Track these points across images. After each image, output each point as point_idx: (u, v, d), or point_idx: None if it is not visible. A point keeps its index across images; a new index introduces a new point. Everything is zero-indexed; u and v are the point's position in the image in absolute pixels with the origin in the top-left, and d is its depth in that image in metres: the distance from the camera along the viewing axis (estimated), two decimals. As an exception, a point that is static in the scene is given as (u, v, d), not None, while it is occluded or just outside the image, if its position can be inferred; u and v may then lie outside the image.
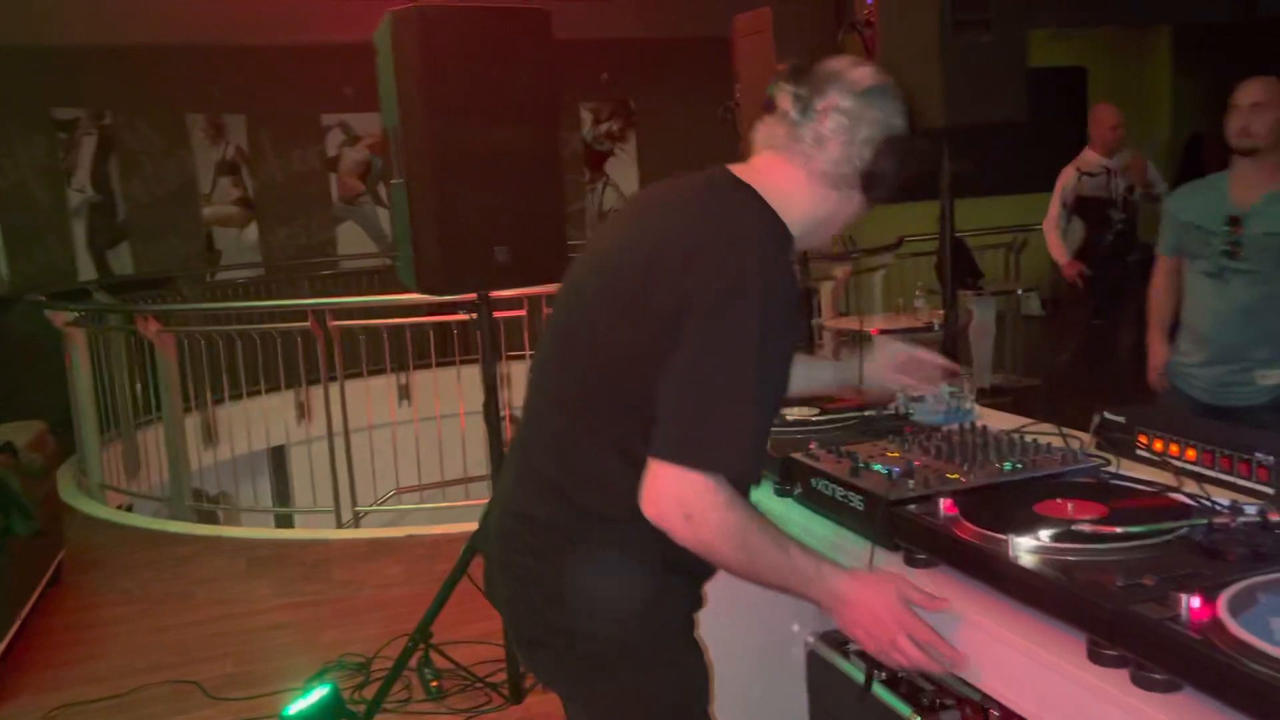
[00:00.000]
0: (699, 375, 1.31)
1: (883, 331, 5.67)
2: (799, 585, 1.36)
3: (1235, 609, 1.05)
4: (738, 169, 1.48)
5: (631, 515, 1.36)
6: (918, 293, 5.84)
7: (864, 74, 1.43)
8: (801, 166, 1.44)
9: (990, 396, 6.49)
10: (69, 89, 8.24)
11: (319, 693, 2.84)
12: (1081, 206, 5.42)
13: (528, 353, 5.64)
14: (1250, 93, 2.80)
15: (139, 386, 6.07)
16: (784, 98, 1.44)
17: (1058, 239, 5.49)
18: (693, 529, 1.31)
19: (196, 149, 8.93)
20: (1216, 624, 1.04)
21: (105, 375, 6.11)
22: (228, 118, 9.01)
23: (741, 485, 1.36)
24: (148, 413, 6.14)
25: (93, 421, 6.02)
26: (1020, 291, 7.35)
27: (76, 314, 6.15)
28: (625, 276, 1.39)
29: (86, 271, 8.32)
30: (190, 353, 5.94)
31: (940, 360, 1.97)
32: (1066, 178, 5.41)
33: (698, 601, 1.57)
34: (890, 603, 1.34)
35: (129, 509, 5.90)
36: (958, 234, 5.82)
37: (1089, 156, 5.38)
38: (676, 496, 1.30)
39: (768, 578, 1.35)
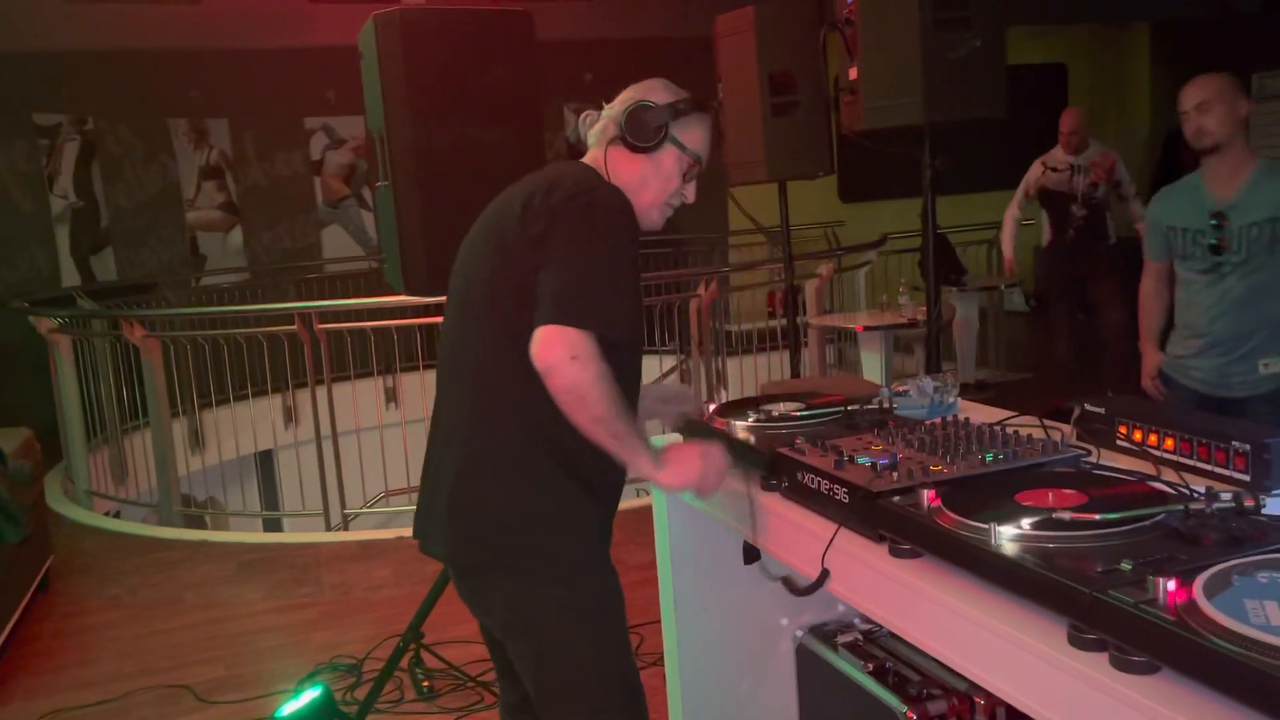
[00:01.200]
0: (568, 260, 1.65)
1: (867, 328, 5.71)
2: (637, 445, 1.66)
3: (1210, 591, 1.08)
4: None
5: (539, 420, 1.68)
6: (901, 289, 5.89)
7: (642, 81, 1.89)
8: (601, 145, 1.87)
9: (975, 391, 6.54)
10: (50, 94, 8.20)
11: (310, 694, 2.85)
12: (1046, 200, 5.56)
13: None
14: (1192, 95, 2.84)
15: (125, 392, 6.06)
16: (590, 114, 1.93)
17: (1010, 231, 5.76)
18: (577, 368, 1.58)
19: (179, 154, 8.90)
20: (1192, 606, 1.06)
21: (91, 381, 6.09)
22: (210, 122, 8.98)
23: (621, 347, 1.70)
24: (134, 419, 6.13)
25: (79, 428, 6.00)
26: (1003, 287, 7.40)
27: (61, 320, 6.14)
28: (507, 221, 1.75)
29: (70, 278, 8.29)
30: (176, 358, 5.93)
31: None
32: (1033, 170, 5.56)
33: (606, 519, 1.83)
34: (697, 450, 1.74)
35: (117, 515, 5.89)
36: (940, 230, 5.88)
37: (1056, 152, 5.50)
38: (565, 343, 1.59)
39: (617, 428, 1.63)
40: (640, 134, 1.81)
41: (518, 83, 2.52)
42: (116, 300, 7.75)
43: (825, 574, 1.60)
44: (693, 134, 1.85)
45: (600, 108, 1.92)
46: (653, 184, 1.84)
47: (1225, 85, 2.84)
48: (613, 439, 1.64)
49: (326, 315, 5.50)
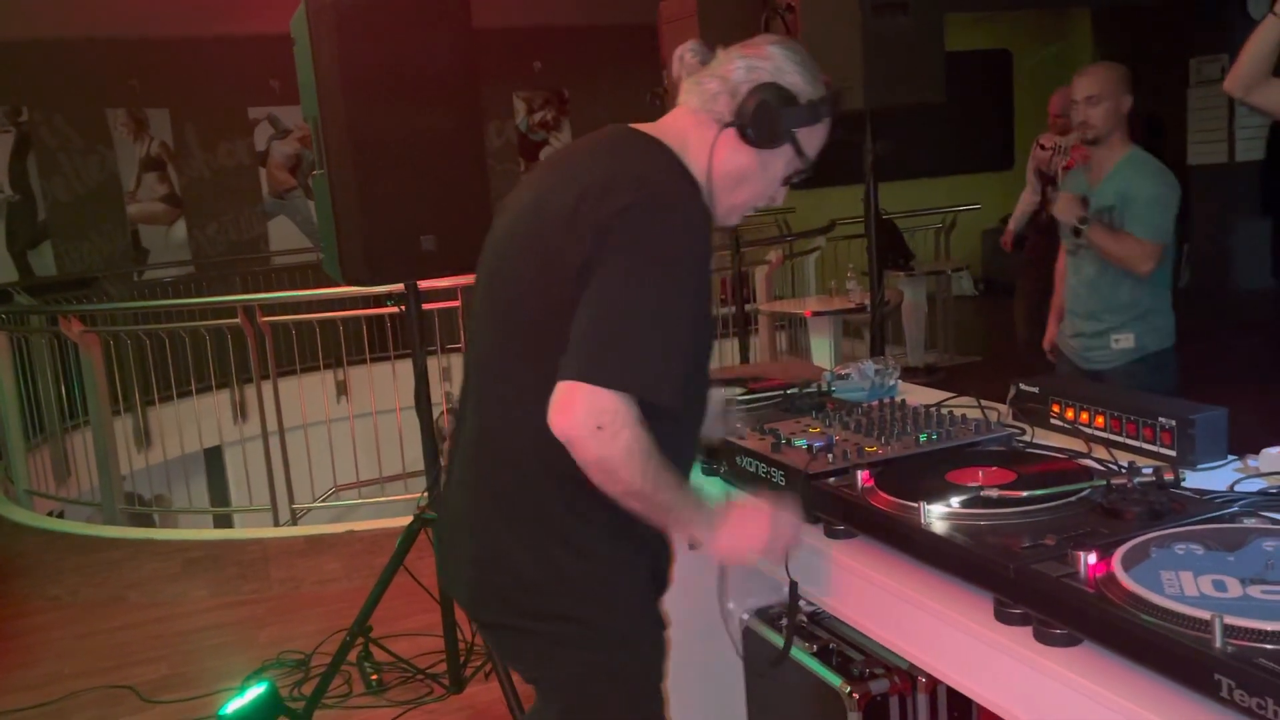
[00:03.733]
0: (608, 300, 1.32)
1: (816, 314, 5.75)
2: (686, 513, 1.40)
3: (1129, 564, 1.10)
4: (639, 126, 1.51)
5: (574, 475, 1.36)
6: (849, 275, 5.93)
7: (766, 37, 1.52)
8: (694, 110, 1.49)
9: (924, 375, 6.61)
10: (-18, 85, 8.00)
11: (255, 691, 2.81)
12: (1041, 180, 5.54)
13: (463, 345, 5.61)
14: (1084, 87, 2.95)
15: (66, 390, 5.93)
16: (693, 57, 1.52)
17: (1017, 211, 5.57)
18: (601, 441, 1.29)
19: (118, 145, 8.71)
20: (1111, 579, 1.08)
21: (30, 379, 5.95)
22: (150, 112, 8.79)
23: (672, 413, 1.37)
24: (77, 416, 6.00)
25: (18, 427, 5.87)
26: (950, 271, 7.49)
27: (-3, 317, 5.99)
28: (544, 232, 1.41)
29: (7, 273, 8.09)
30: (118, 353, 5.81)
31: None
32: (1032, 149, 5.51)
33: (659, 575, 1.56)
34: (765, 514, 1.44)
35: (60, 515, 5.77)
36: (887, 215, 5.90)
37: (1050, 132, 5.50)
38: (588, 409, 1.29)
39: (658, 500, 1.36)
40: (766, 133, 1.44)
41: (455, 68, 2.49)
42: (56, 296, 7.57)
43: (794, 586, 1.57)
44: (816, 136, 1.51)
45: (706, 49, 1.52)
46: (752, 185, 1.50)
47: (1116, 80, 2.95)
48: (654, 511, 1.38)
49: (270, 307, 5.41)
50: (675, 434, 1.43)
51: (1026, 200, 5.59)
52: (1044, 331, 3.52)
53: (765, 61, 1.46)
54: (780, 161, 1.49)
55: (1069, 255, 3.14)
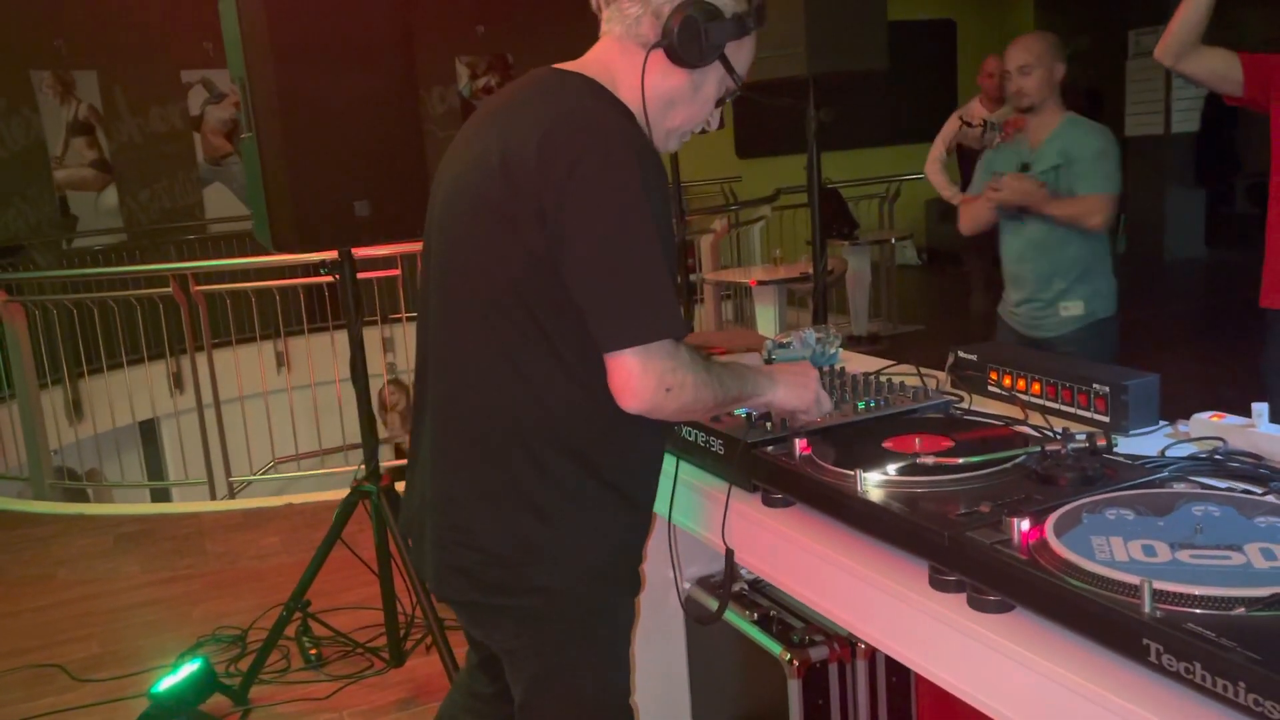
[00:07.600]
0: (606, 255, 1.31)
1: (761, 283, 5.75)
2: (748, 390, 1.50)
3: (1060, 530, 1.10)
4: (563, 65, 1.49)
5: (552, 441, 1.38)
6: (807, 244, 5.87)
7: None
8: (618, 38, 1.45)
9: (867, 344, 6.67)
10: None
11: (189, 668, 2.75)
12: (960, 155, 5.44)
13: (405, 315, 5.52)
14: (1015, 57, 3.01)
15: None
16: None
17: (942, 179, 5.38)
18: (675, 397, 1.34)
19: (44, 108, 8.39)
20: (1043, 545, 1.08)
21: (-49, 351, 5.74)
22: (78, 74, 8.48)
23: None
24: (1, 389, 5.81)
25: (-61, 400, 5.67)
26: (894, 240, 7.53)
27: (-85, 286, 5.75)
28: (487, 187, 1.38)
29: (-73, 241, 7.79)
30: (46, 324, 5.62)
31: None
32: (950, 123, 5.41)
33: (643, 531, 1.54)
34: (806, 381, 1.58)
35: (-15, 491, 5.60)
36: (832, 184, 5.88)
37: (974, 106, 5.44)
38: (654, 379, 1.32)
39: (729, 399, 1.46)
40: (693, 51, 1.40)
41: (387, 25, 2.41)
42: (-21, 264, 7.31)
43: (730, 552, 1.57)
44: (744, 53, 1.48)
45: None
46: (685, 108, 1.47)
47: (1047, 49, 3.01)
48: (729, 407, 1.49)
49: (206, 277, 5.27)
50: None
51: (935, 166, 5.34)
52: (1000, 299, 3.51)
53: None
54: (712, 80, 1.47)
55: (1008, 220, 3.15)
